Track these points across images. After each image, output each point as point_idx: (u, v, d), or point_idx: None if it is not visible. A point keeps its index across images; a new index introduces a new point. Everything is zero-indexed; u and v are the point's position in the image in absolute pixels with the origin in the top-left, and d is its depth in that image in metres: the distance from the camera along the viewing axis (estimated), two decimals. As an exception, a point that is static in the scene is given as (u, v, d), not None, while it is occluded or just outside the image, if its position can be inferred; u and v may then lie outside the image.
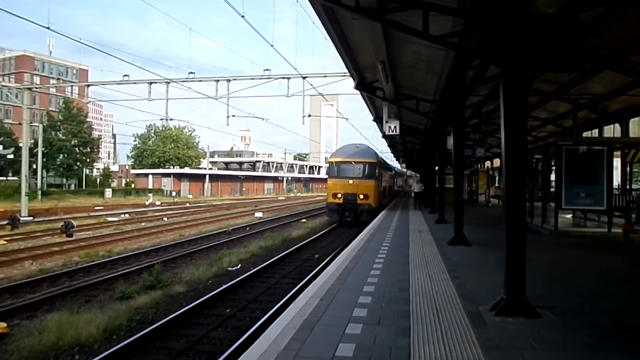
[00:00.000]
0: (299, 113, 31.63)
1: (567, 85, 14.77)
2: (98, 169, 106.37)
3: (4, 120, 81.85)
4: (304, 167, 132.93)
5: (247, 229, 25.33)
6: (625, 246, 11.93)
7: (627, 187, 15.98)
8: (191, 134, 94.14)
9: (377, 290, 6.84)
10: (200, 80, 28.67)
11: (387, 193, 34.39)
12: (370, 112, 23.46)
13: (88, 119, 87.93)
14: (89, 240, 19.82)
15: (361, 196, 24.36)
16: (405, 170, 70.36)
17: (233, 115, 30.70)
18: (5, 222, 24.84)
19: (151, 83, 27.97)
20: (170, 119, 39.51)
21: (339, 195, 24.66)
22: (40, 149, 49.64)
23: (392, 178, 42.58)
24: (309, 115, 33.04)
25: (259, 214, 35.02)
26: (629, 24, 9.52)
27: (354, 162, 25.56)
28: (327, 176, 27.86)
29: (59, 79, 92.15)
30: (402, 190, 58.92)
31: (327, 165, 29.59)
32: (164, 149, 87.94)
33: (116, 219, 30.68)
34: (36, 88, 46.22)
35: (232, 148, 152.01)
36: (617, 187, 15.89)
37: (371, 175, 25.46)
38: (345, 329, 5.02)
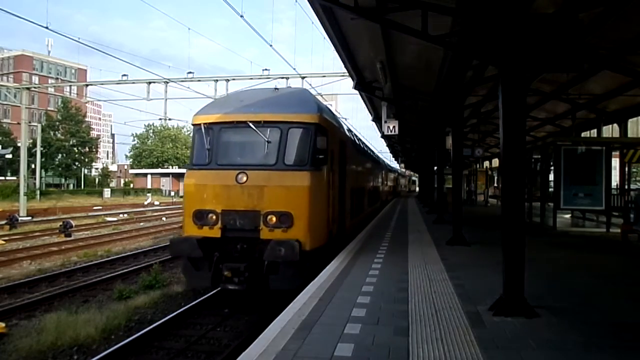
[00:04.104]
0: (298, 113, 31.33)
1: (566, 85, 14.81)
2: (97, 168, 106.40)
3: (2, 119, 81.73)
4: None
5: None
6: (624, 246, 11.94)
7: (626, 187, 16.00)
8: (190, 133, 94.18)
9: (375, 290, 6.84)
10: (199, 80, 28.67)
11: (364, 203, 18.01)
12: (369, 112, 23.50)
13: (86, 119, 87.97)
14: (88, 240, 19.80)
15: (272, 219, 8.51)
16: (400, 169, 67.21)
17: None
18: (3, 222, 24.80)
19: (150, 83, 27.95)
20: (169, 119, 39.54)
21: (213, 217, 8.72)
22: (38, 149, 49.60)
23: (377, 172, 25.95)
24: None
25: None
26: (628, 24, 9.54)
27: (255, 121, 8.98)
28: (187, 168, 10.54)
29: (57, 78, 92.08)
30: (392, 191, 45.90)
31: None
32: (163, 149, 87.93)
33: (115, 218, 30.65)
34: (35, 88, 46.12)
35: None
36: (615, 187, 15.92)
37: (304, 156, 8.95)
38: (344, 329, 5.02)
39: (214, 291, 9.46)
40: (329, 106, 15.77)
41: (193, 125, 9.64)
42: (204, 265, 8.57)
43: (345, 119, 24.26)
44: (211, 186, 8.89)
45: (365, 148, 21.24)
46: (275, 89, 11.33)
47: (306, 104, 9.78)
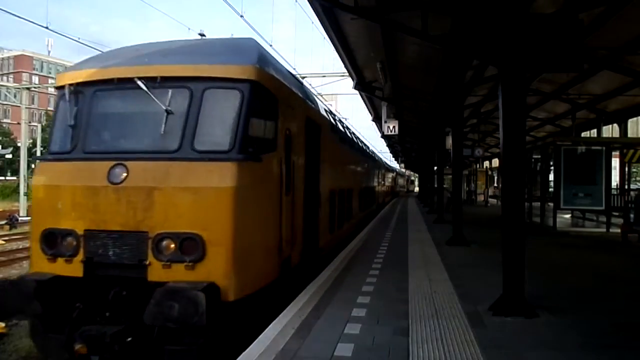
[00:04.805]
0: (298, 113, 31.26)
1: (566, 86, 14.85)
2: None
3: (2, 119, 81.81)
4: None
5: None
6: (624, 246, 11.94)
7: (626, 187, 16.01)
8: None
9: (375, 289, 6.84)
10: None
11: (353, 208, 14.99)
12: (369, 112, 23.54)
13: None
14: (88, 240, 19.77)
15: (168, 246, 5.05)
16: (399, 168, 65.88)
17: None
18: (3, 222, 24.83)
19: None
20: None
21: (72, 243, 5.24)
22: (38, 149, 49.57)
23: (371, 169, 23.25)
24: (308, 115, 32.71)
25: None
26: (628, 24, 9.56)
27: (148, 78, 5.46)
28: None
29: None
30: (390, 191, 42.62)
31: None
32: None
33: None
34: (35, 88, 46.18)
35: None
36: (615, 187, 15.93)
37: (229, 136, 5.38)
38: (344, 329, 5.02)
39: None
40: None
41: (56, 88, 6.23)
42: (61, 324, 5.00)
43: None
44: (69, 189, 5.37)
45: (356, 139, 17.52)
46: (201, 35, 7.18)
47: (239, 51, 6.09)
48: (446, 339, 4.74)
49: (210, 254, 4.95)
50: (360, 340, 4.67)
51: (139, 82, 5.36)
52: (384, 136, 27.89)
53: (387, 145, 43.72)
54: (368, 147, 24.08)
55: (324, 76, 26.25)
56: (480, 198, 34.10)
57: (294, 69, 23.29)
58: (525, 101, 8.55)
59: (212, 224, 5.02)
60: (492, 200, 31.90)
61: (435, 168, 25.02)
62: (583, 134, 20.62)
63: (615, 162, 15.71)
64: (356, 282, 7.29)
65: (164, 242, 5.00)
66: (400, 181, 67.51)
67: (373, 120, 24.83)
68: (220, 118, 5.46)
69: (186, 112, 5.35)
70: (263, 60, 6.03)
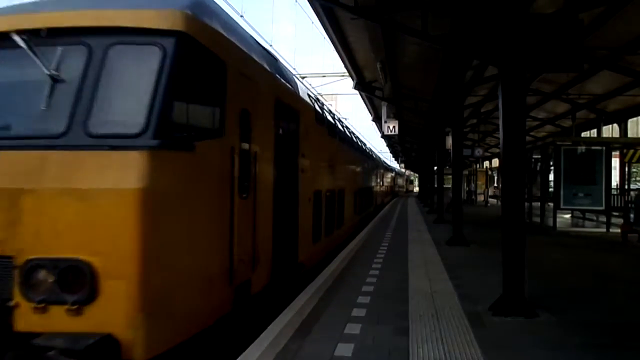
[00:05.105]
0: (298, 113, 31.24)
1: (566, 86, 14.87)
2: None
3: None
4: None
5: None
6: (624, 246, 11.95)
7: (626, 187, 16.03)
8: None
9: (376, 289, 6.84)
10: (199, 80, 28.57)
11: (345, 212, 13.27)
12: (369, 112, 23.57)
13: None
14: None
15: (43, 278, 3.40)
16: (398, 167, 65.57)
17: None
18: None
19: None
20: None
21: None
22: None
23: (369, 169, 21.80)
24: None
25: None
26: (628, 24, 9.57)
27: (30, 30, 3.84)
28: None
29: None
30: (389, 192, 41.01)
31: None
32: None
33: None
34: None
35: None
36: (615, 187, 15.95)
37: (142, 112, 3.62)
38: (344, 329, 5.02)
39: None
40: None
41: None
42: None
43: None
44: None
45: (350, 134, 15.57)
46: None
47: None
48: (446, 339, 4.74)
49: (106, 290, 3.36)
50: (360, 340, 4.67)
51: (15, 37, 3.81)
52: (384, 136, 27.93)
53: (387, 145, 43.80)
54: (365, 144, 22.19)
55: (324, 76, 26.25)
56: (480, 198, 34.14)
57: (294, 69, 23.33)
58: (525, 101, 8.58)
59: (108, 246, 3.39)
60: (492, 200, 31.93)
61: (435, 168, 25.04)
62: (583, 134, 20.65)
63: (615, 162, 15.73)
64: (356, 282, 7.29)
65: (38, 274, 3.41)
66: (400, 181, 67.51)
67: (373, 120, 24.88)
68: (130, 87, 3.85)
69: (80, 78, 3.76)
70: (201, 7, 4.30)
